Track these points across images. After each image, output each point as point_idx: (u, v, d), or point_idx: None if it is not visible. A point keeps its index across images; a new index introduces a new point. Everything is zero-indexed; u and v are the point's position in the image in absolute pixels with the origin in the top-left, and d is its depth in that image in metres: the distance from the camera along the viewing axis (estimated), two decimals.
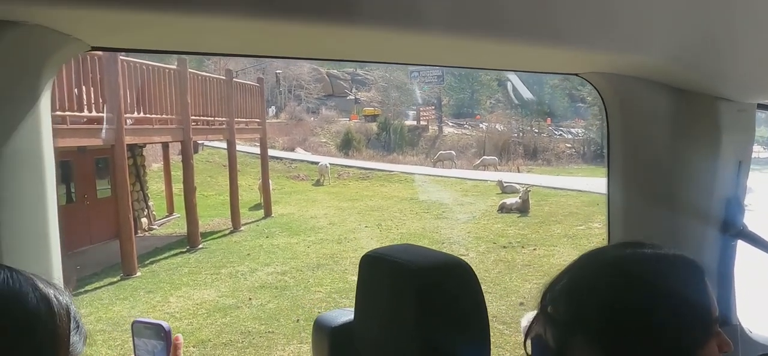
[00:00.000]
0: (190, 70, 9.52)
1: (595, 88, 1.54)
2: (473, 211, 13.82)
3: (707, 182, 1.51)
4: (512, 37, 1.13)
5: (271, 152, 17.76)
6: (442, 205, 15.00)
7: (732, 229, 1.56)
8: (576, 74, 1.51)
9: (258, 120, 12.83)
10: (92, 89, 7.61)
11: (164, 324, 0.89)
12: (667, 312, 0.86)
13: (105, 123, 7.81)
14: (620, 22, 1.21)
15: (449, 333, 0.85)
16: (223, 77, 11.16)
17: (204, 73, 10.20)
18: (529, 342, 0.91)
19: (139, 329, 0.92)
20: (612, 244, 0.96)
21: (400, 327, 0.87)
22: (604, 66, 1.42)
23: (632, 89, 1.48)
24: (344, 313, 1.13)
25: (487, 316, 0.88)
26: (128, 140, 8.40)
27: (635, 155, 1.56)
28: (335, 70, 34.46)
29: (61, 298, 0.71)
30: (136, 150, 10.73)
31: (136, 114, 8.58)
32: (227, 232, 11.36)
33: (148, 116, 8.83)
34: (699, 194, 1.53)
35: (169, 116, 9.30)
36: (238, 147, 13.02)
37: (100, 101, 7.85)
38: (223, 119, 11.09)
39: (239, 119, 11.79)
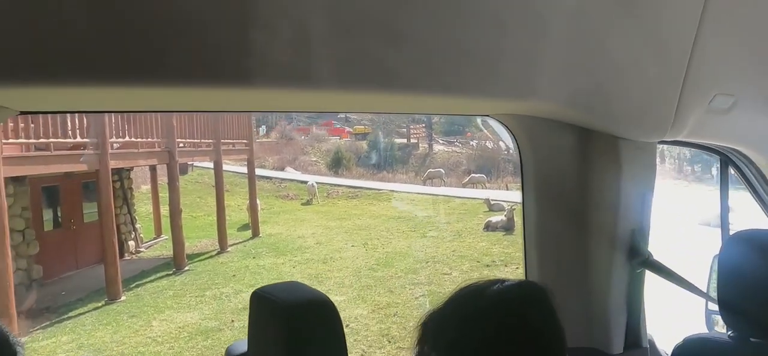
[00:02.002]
0: None
1: (506, 127, 1.69)
2: (459, 229, 13.91)
3: (614, 215, 1.65)
4: (431, 88, 1.30)
5: (261, 172, 17.81)
6: (428, 223, 15.08)
7: (638, 257, 1.70)
8: (487, 116, 1.66)
9: (245, 141, 12.95)
10: (77, 115, 7.75)
11: None
12: (525, 337, 0.95)
13: (90, 148, 7.93)
14: (513, 70, 1.37)
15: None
16: None
17: None
18: None
19: None
20: (482, 281, 1.01)
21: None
22: (508, 109, 1.57)
23: (540, 128, 1.63)
24: (244, 344, 1.23)
25: (345, 345, 1.02)
26: (113, 164, 8.52)
27: (546, 190, 1.70)
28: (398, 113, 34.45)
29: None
30: (123, 173, 10.81)
31: (122, 138, 8.71)
32: (214, 253, 11.42)
33: (133, 139, 8.96)
34: (606, 225, 1.67)
35: (155, 140, 9.44)
36: (227, 167, 13.12)
37: (85, 125, 7.98)
38: (210, 140, 11.22)
39: (226, 140, 11.92)
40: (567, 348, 0.97)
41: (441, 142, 32.50)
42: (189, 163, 16.15)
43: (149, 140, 9.33)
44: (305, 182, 20.80)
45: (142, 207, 14.16)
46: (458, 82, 1.31)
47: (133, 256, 11.19)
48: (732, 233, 1.34)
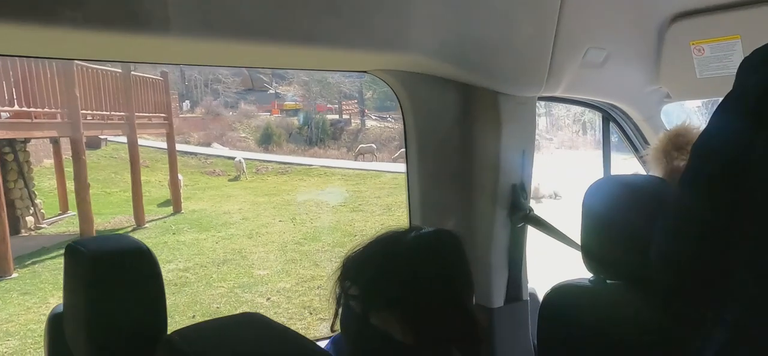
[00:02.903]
0: (78, 62, 8.98)
1: (387, 84, 1.65)
2: (389, 203, 14.04)
3: (495, 171, 1.67)
4: (301, 40, 1.24)
5: (185, 148, 17.08)
6: (358, 198, 15.12)
7: (519, 212, 1.73)
8: (365, 71, 1.62)
9: (164, 115, 12.35)
10: None
11: None
12: (442, 278, 1.05)
13: None
14: (384, 22, 1.33)
15: (123, 309, 0.91)
16: (119, 71, 10.64)
17: (95, 66, 9.62)
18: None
19: None
20: (400, 229, 1.10)
21: (79, 308, 0.92)
22: (383, 64, 1.54)
23: (420, 84, 1.61)
24: None
25: (163, 294, 0.96)
26: (2, 134, 7.84)
27: (429, 146, 1.69)
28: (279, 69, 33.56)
29: None
30: (16, 145, 9.95)
31: (12, 107, 8.02)
32: (130, 229, 10.85)
33: (27, 109, 8.26)
34: (488, 181, 1.69)
35: (55, 110, 8.75)
36: (147, 142, 12.48)
37: None
38: (123, 113, 10.58)
39: (142, 114, 11.29)
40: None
41: (374, 117, 32.51)
42: (101, 137, 15.20)
43: (48, 110, 8.63)
44: (233, 159, 20.20)
45: (46, 182, 13.22)
46: (328, 35, 1.26)
47: (33, 232, 10.43)
48: (592, 182, 1.37)
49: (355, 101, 32.42)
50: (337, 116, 31.31)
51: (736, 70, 0.88)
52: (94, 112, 9.84)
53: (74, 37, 1.01)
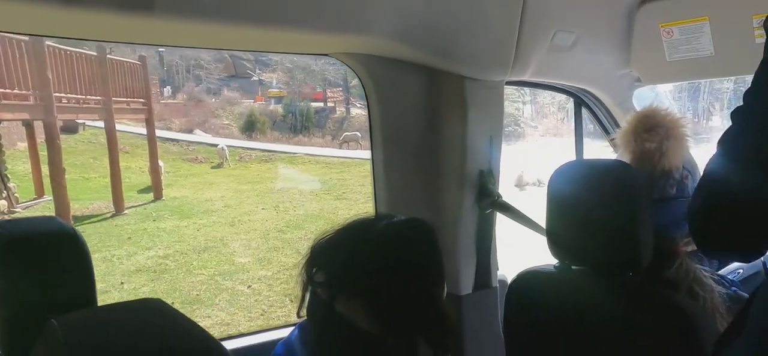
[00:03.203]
0: (50, 44, 8.76)
1: (351, 68, 1.61)
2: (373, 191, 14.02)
3: (462, 157, 1.64)
4: (261, 21, 1.20)
5: (166, 134, 16.85)
6: (342, 186, 15.08)
7: (487, 198, 1.71)
8: (326, 54, 1.57)
9: (143, 100, 12.14)
10: None
11: None
12: (414, 268, 1.02)
13: None
14: (342, 4, 1.29)
15: (43, 291, 0.88)
16: (95, 53, 10.40)
17: (69, 48, 9.39)
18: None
19: None
20: (373, 216, 1.09)
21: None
22: (346, 47, 1.49)
23: (384, 68, 1.57)
24: None
25: (92, 276, 0.92)
26: None
27: (394, 131, 1.65)
28: (238, 51, 33.18)
29: None
30: None
31: None
32: (108, 215, 10.68)
33: None
34: (455, 167, 1.66)
35: (28, 92, 8.53)
36: (127, 128, 12.27)
37: None
38: (99, 97, 10.36)
39: (119, 98, 11.07)
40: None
41: (359, 105, 32.39)
42: (80, 121, 14.92)
43: (18, 91, 8.40)
44: (216, 146, 19.98)
45: (21, 166, 12.91)
46: (285, 15, 1.22)
47: (5, 215, 10.23)
48: (557, 167, 1.35)
49: (340, 88, 32.21)
50: (321, 104, 31.10)
51: (705, 54, 0.85)
52: (69, 95, 9.61)
53: (51, 14, 0.98)
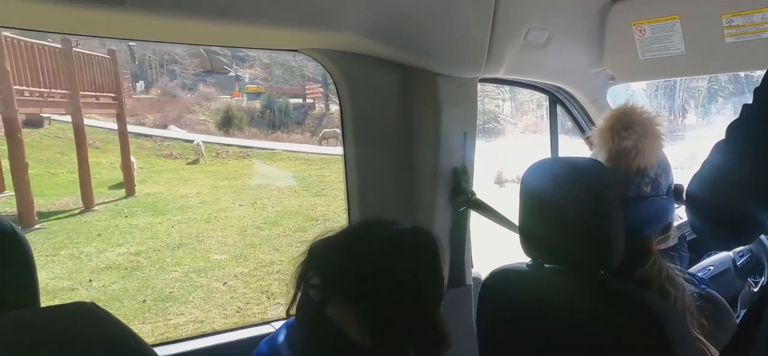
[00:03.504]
0: (7, 35, 8.47)
1: (322, 65, 1.58)
2: None
3: (435, 154, 1.63)
4: (230, 17, 1.15)
5: (140, 130, 16.53)
6: (321, 182, 14.99)
7: (461, 196, 1.70)
8: (296, 50, 1.54)
9: (113, 94, 11.86)
10: None
11: None
12: (411, 282, 0.99)
13: None
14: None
15: None
16: (59, 46, 10.09)
17: (29, 39, 9.09)
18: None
19: None
20: (374, 220, 1.04)
21: None
22: (315, 42, 1.46)
23: (356, 65, 1.54)
24: None
25: (34, 275, 0.88)
26: None
27: (367, 128, 1.63)
28: (215, 46, 32.71)
29: None
30: None
31: None
32: (77, 212, 10.40)
33: None
34: (428, 165, 1.64)
35: None
36: (98, 123, 11.95)
37: None
38: (65, 91, 10.07)
39: (88, 93, 10.78)
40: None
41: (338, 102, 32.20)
42: (45, 115, 14.51)
43: None
44: (191, 142, 19.66)
45: None
46: (254, 10, 1.18)
47: None
48: (530, 164, 1.34)
49: (319, 84, 32.03)
50: (300, 100, 30.88)
51: (676, 52, 0.88)
52: (32, 88, 9.30)
53: (13, 5, 0.95)
